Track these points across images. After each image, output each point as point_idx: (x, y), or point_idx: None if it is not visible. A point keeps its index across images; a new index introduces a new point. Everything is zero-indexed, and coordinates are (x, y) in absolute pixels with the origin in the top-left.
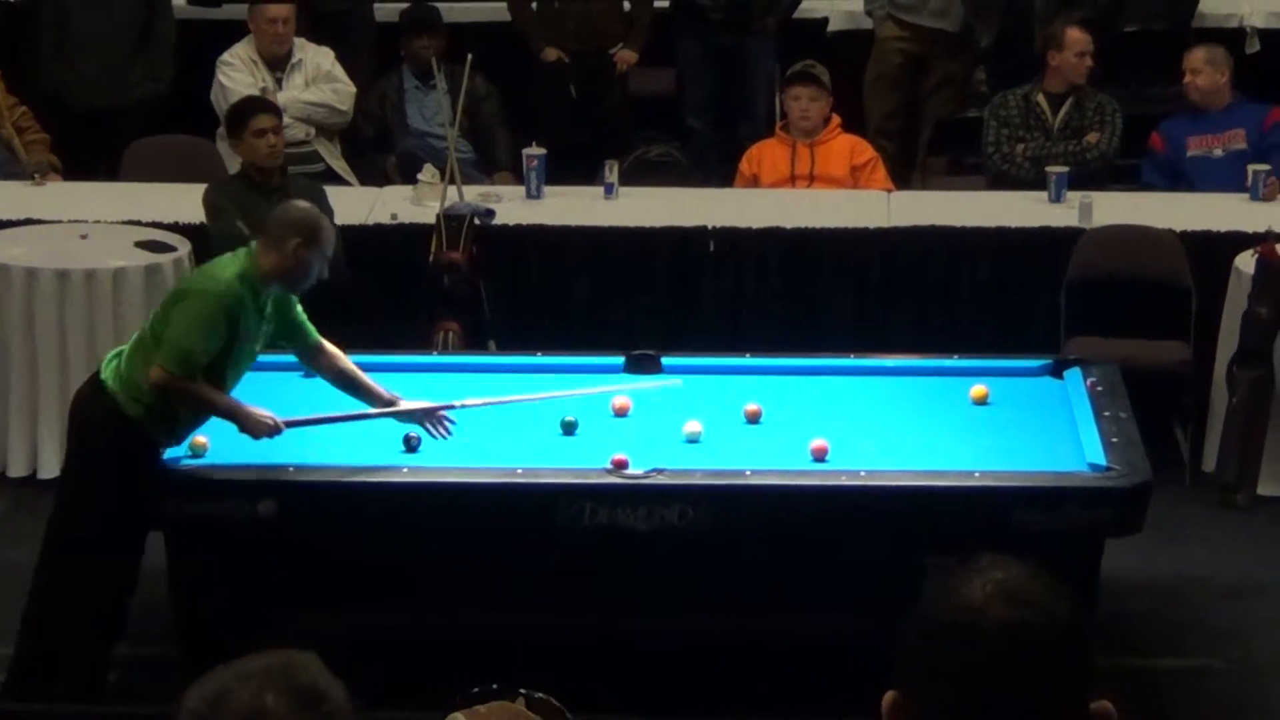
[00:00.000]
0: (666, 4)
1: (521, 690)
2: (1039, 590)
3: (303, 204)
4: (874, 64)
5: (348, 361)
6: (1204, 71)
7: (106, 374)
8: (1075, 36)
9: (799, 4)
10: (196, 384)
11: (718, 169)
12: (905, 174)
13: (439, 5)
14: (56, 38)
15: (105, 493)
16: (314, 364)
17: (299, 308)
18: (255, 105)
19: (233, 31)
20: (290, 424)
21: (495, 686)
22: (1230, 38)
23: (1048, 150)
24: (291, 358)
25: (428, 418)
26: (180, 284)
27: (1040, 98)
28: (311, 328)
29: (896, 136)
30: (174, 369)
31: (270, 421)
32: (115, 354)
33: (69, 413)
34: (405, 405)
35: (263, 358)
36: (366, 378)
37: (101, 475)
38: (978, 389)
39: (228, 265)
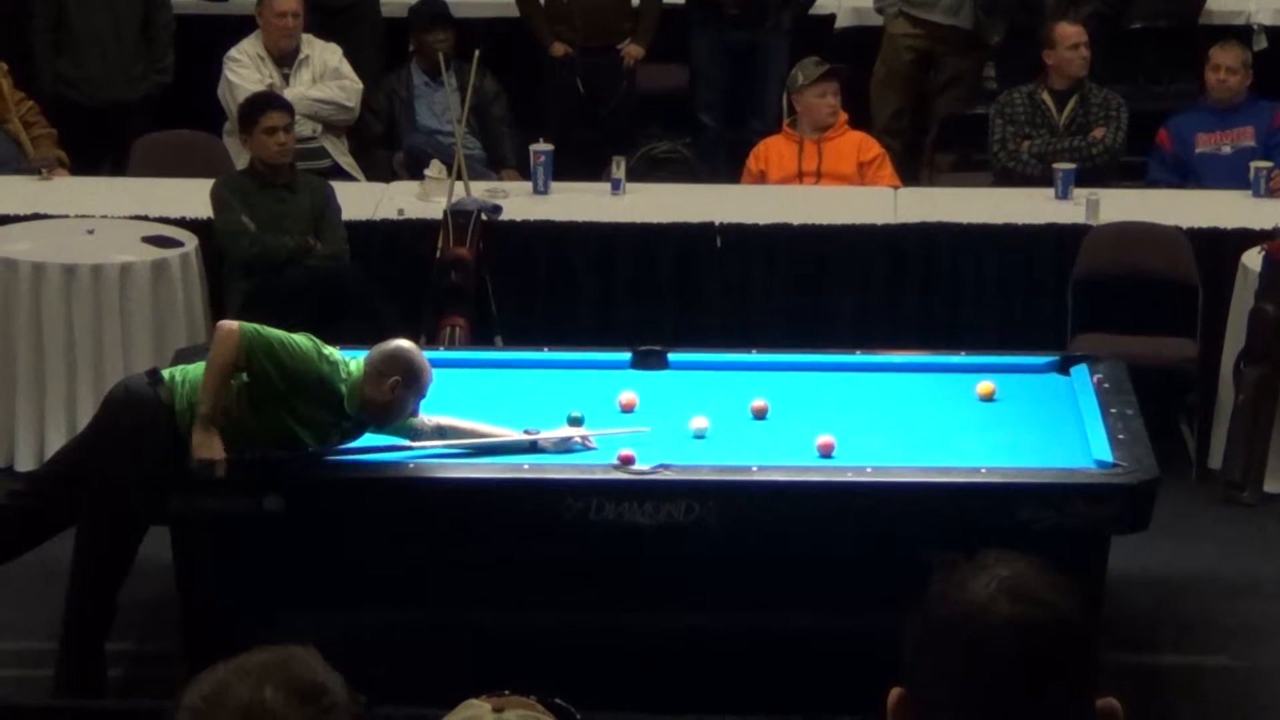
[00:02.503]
0: (678, 1)
1: (534, 696)
2: (1044, 587)
3: (409, 344)
4: (883, 61)
5: (470, 423)
6: (1240, 72)
7: (170, 369)
8: (1066, 31)
9: (814, 1)
10: (231, 366)
11: (728, 165)
12: (912, 171)
13: (447, 0)
14: (56, 35)
15: (129, 476)
16: (437, 439)
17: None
18: (268, 102)
19: (239, 27)
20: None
21: (507, 692)
22: (1237, 35)
23: (1053, 147)
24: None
25: (566, 443)
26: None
27: (1045, 95)
28: (416, 419)
29: (903, 134)
30: (246, 330)
31: (214, 459)
32: (184, 367)
33: (110, 395)
34: (544, 435)
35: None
36: (493, 427)
37: (129, 458)
38: (985, 385)
39: (343, 362)
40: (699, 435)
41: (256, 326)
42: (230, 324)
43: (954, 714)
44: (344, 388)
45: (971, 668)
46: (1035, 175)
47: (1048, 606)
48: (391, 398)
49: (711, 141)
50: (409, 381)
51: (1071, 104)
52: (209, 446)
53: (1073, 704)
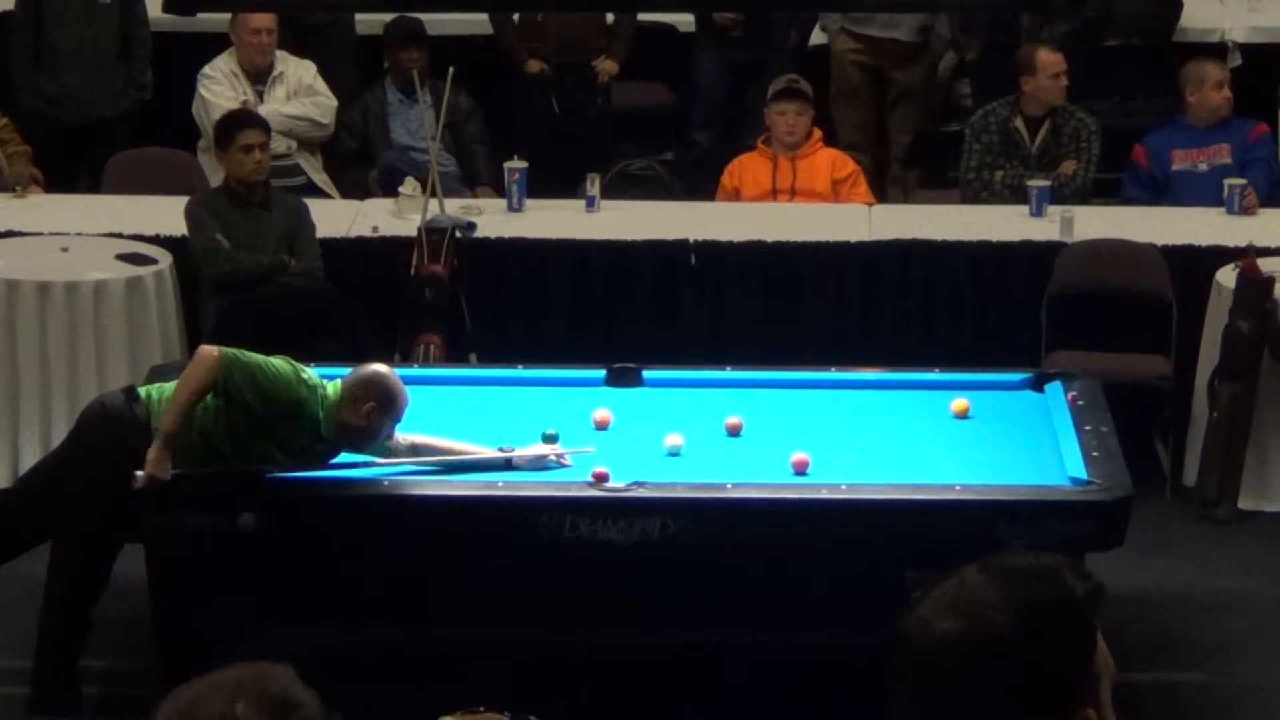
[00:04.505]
0: (655, 19)
1: (506, 714)
2: (990, 603)
3: (385, 369)
4: (834, 79)
5: (444, 441)
6: (1224, 90)
7: (147, 387)
8: (1047, 59)
9: (816, 19)
10: (203, 391)
11: (714, 182)
12: (879, 188)
13: (421, 18)
14: (36, 52)
15: (104, 493)
16: (412, 457)
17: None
18: (245, 120)
19: (212, 44)
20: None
21: (481, 708)
22: (1211, 52)
23: (1025, 179)
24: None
25: (541, 460)
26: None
27: (1019, 122)
28: (390, 439)
29: (867, 150)
30: (225, 356)
31: (159, 475)
32: (160, 385)
33: (86, 411)
34: (518, 452)
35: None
36: (467, 445)
37: (104, 475)
38: (958, 403)
39: (319, 384)
40: (673, 453)
41: (236, 352)
42: (210, 349)
43: None
44: (321, 412)
45: (919, 681)
46: (1005, 200)
47: (980, 623)
48: (367, 423)
49: (700, 160)
50: (384, 407)
51: (1044, 131)
52: (159, 463)
53: (1028, 717)
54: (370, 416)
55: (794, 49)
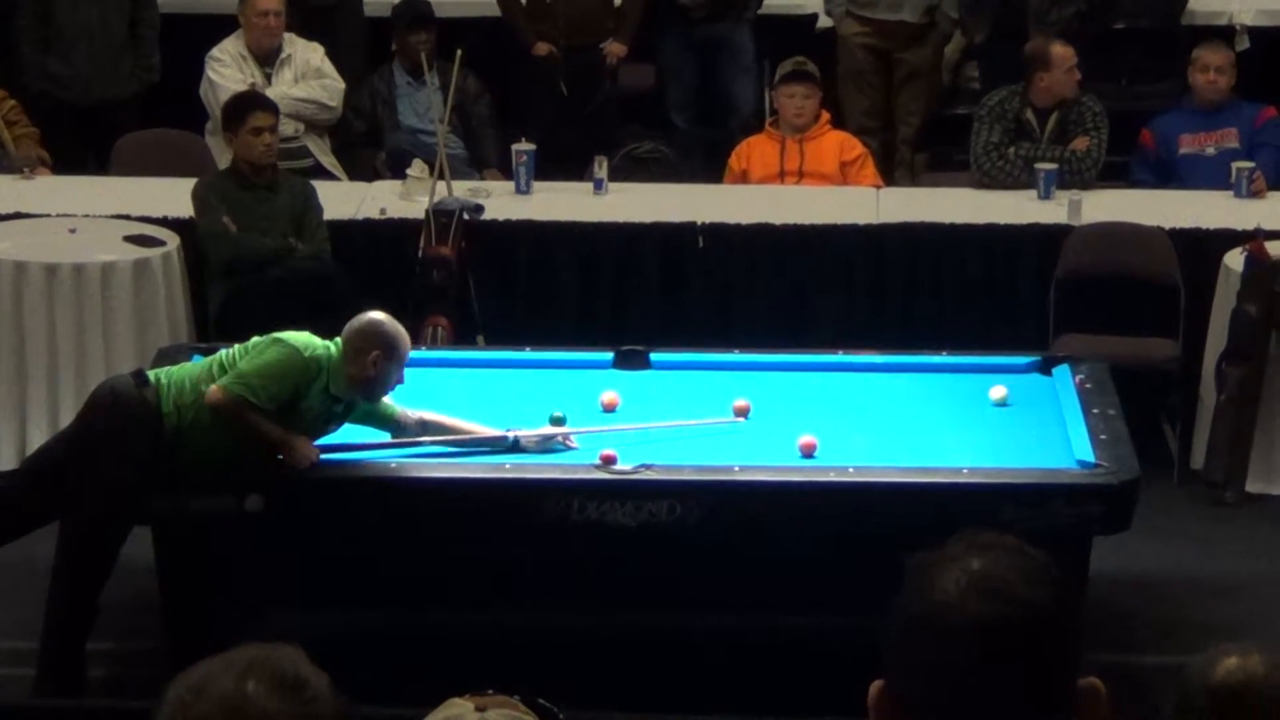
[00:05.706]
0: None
1: (516, 696)
2: (1015, 580)
3: (381, 315)
4: (841, 62)
5: (452, 419)
6: (1228, 73)
7: (156, 371)
8: (1060, 53)
9: None
10: (253, 413)
11: (703, 166)
12: (886, 171)
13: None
14: (43, 33)
15: (114, 478)
16: (415, 435)
17: (386, 403)
18: (254, 102)
19: (219, 26)
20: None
21: (491, 691)
22: (1219, 35)
23: (1036, 155)
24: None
25: (548, 442)
26: (275, 333)
27: (1030, 115)
28: (398, 409)
29: (877, 133)
30: (232, 389)
31: (314, 456)
32: (170, 369)
33: (96, 395)
34: (525, 433)
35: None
36: (475, 424)
37: (114, 460)
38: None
39: (321, 345)
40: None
41: (238, 378)
42: (214, 392)
43: (930, 707)
44: (328, 374)
45: (944, 664)
46: (1020, 180)
47: (1018, 602)
48: (375, 372)
49: (684, 143)
50: (389, 353)
51: (1053, 121)
52: (303, 457)
53: (1050, 691)
54: (377, 365)
55: (753, 21)
